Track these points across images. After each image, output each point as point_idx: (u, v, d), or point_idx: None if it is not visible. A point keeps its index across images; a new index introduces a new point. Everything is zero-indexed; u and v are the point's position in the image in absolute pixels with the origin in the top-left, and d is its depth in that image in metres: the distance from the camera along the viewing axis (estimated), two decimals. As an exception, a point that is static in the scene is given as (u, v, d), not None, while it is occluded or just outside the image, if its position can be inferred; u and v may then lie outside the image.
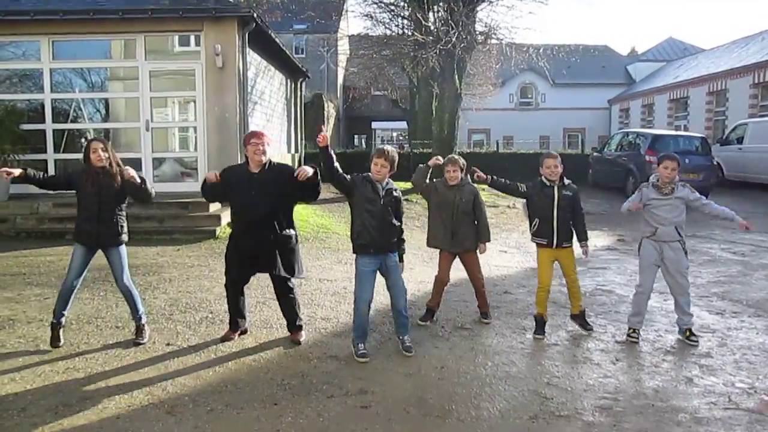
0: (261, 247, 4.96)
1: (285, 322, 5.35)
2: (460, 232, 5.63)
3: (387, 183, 4.86)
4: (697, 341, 5.22)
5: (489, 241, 5.81)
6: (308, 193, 4.97)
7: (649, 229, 5.32)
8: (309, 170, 4.76)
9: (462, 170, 5.65)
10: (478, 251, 5.78)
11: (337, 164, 4.77)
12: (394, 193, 4.87)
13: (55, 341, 5.02)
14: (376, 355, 4.91)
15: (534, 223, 5.48)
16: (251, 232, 4.95)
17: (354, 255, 4.89)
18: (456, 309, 6.16)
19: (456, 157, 5.77)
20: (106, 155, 4.98)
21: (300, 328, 5.30)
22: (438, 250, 5.85)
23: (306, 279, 7.44)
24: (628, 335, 5.37)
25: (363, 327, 4.85)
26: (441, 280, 5.81)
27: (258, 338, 5.28)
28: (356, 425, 3.73)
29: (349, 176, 4.84)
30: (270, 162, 5.05)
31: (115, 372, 4.51)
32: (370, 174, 4.82)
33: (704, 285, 7.31)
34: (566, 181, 5.45)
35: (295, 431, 3.66)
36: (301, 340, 5.22)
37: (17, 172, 4.83)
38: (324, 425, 3.73)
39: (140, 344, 5.08)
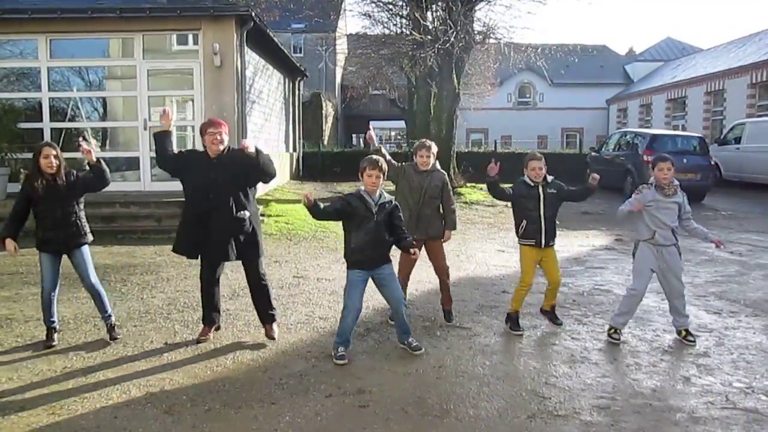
0: (214, 233, 4.92)
1: (284, 321, 5.33)
2: (425, 217, 5.55)
3: (380, 196, 4.71)
4: (694, 341, 5.22)
5: (455, 229, 5.74)
6: (260, 174, 4.98)
7: (647, 232, 5.26)
8: (250, 146, 4.80)
9: (434, 156, 5.57)
10: (443, 240, 5.71)
11: (331, 209, 4.75)
12: (387, 207, 4.74)
13: (48, 341, 5.03)
14: (375, 354, 4.91)
15: (521, 225, 5.46)
16: (204, 218, 4.92)
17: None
18: (454, 308, 6.15)
19: (429, 142, 5.64)
20: (57, 162, 4.93)
21: (273, 320, 5.25)
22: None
23: (305, 278, 7.44)
24: (610, 335, 5.30)
25: (346, 335, 4.79)
26: (404, 275, 5.69)
27: (256, 338, 5.27)
28: (354, 425, 3.72)
29: (345, 202, 4.71)
30: (228, 148, 5.07)
31: (113, 371, 4.51)
32: (361, 189, 4.69)
33: (702, 285, 7.31)
34: (549, 179, 5.42)
35: (293, 431, 3.66)
36: (275, 335, 5.18)
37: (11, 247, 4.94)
38: (322, 424, 3.73)
39: (117, 339, 5.13)
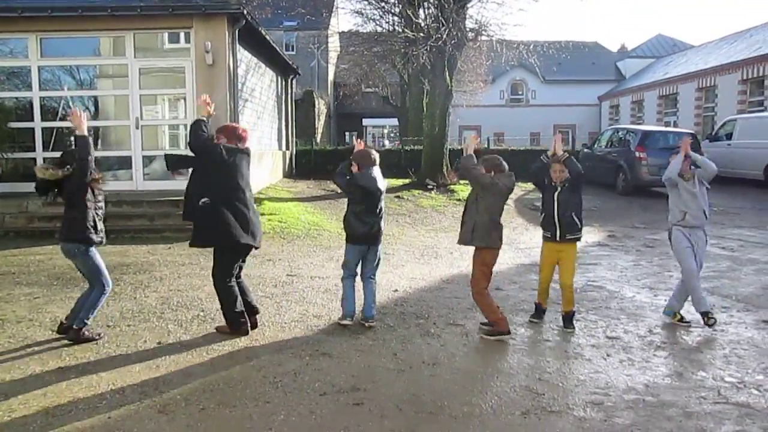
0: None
1: (278, 320, 5.31)
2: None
3: None
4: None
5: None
6: None
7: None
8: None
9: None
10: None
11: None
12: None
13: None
14: (368, 352, 4.91)
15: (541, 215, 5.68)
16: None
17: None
18: (447, 305, 6.17)
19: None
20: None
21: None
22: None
23: (298, 276, 7.43)
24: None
25: (351, 299, 5.54)
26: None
27: (250, 336, 5.25)
28: (349, 422, 3.73)
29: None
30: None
31: (107, 371, 4.49)
32: None
33: (694, 280, 7.34)
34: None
35: (288, 429, 3.66)
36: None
37: None
38: (316, 423, 3.73)
39: (72, 340, 5.05)
